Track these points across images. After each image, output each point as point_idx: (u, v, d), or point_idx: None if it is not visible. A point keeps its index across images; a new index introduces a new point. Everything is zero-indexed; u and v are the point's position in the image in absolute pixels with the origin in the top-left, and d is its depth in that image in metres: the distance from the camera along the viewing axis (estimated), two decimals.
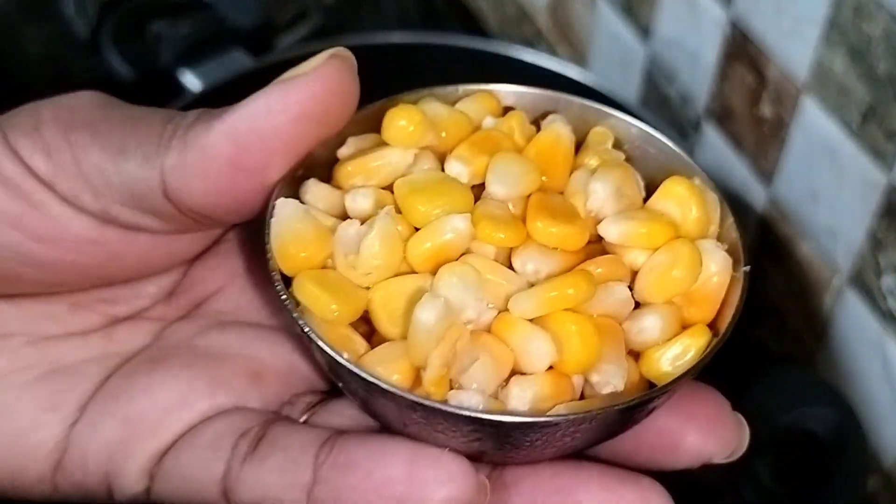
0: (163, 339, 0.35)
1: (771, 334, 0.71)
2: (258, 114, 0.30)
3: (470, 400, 0.30)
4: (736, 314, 0.32)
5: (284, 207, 0.32)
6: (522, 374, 0.31)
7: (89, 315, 0.35)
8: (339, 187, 0.34)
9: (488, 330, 0.31)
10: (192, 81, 0.76)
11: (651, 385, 0.32)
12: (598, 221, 0.33)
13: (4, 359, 0.33)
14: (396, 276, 0.31)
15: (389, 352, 0.31)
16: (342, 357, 0.30)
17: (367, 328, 0.32)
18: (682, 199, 0.33)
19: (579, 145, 0.36)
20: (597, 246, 0.33)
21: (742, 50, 0.67)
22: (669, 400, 0.32)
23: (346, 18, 0.96)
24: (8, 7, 1.04)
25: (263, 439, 0.31)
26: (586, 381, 0.31)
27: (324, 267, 0.32)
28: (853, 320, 0.62)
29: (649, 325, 0.31)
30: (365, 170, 0.33)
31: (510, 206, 0.33)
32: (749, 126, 0.68)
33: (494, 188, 0.32)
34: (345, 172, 0.33)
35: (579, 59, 0.88)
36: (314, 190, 0.33)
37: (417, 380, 0.30)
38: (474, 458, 0.30)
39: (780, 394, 0.57)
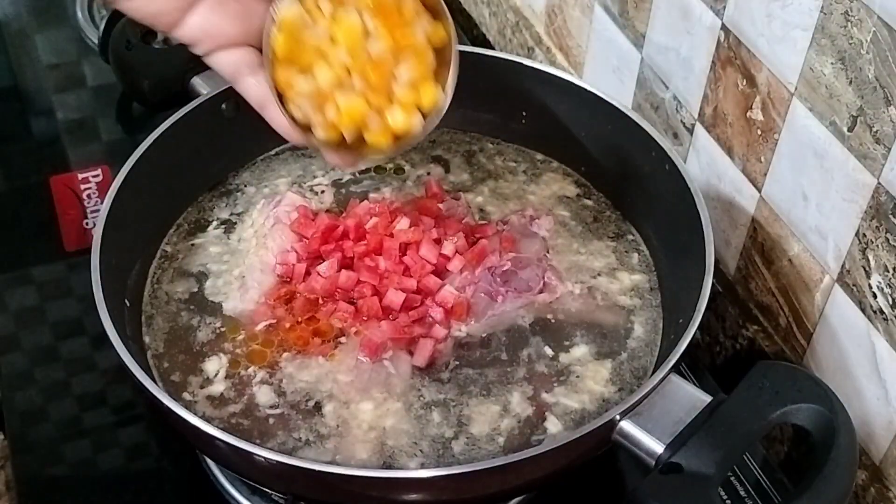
0: None
1: (762, 332, 0.72)
2: None
3: None
4: None
5: None
6: None
7: None
8: None
9: None
10: (200, 86, 0.77)
11: None
12: None
13: None
14: None
15: None
16: None
17: None
18: None
19: None
20: None
21: (734, 56, 0.68)
22: None
23: None
24: (21, 14, 1.05)
25: None
26: None
27: None
28: (843, 318, 0.63)
29: None
30: None
31: None
32: (741, 130, 0.69)
33: None
34: None
35: (576, 64, 0.89)
36: None
37: None
38: None
39: (771, 390, 0.57)
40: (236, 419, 0.61)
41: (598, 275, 0.70)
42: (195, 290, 0.68)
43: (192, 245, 0.72)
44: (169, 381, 0.63)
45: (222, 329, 0.66)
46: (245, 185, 0.76)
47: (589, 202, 0.75)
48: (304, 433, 0.60)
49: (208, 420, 0.60)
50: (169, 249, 0.71)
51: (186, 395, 0.62)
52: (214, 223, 0.73)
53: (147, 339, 0.65)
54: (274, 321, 0.66)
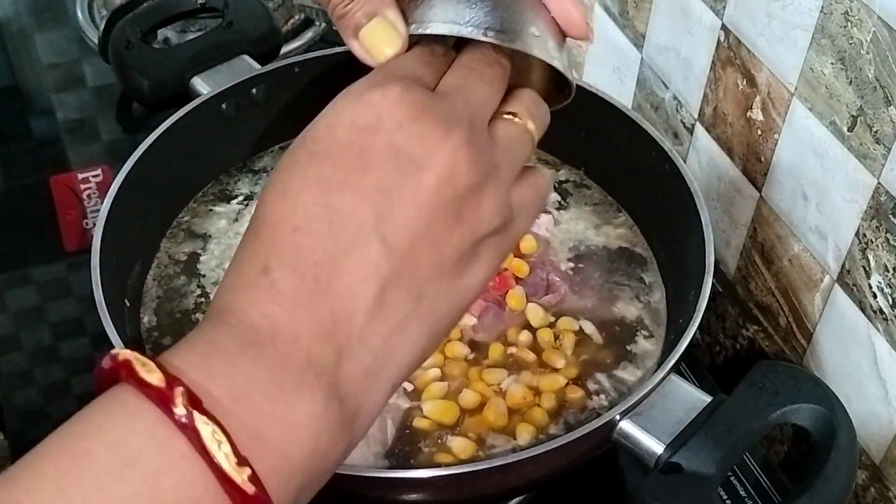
0: None
1: (762, 332, 0.72)
2: None
3: None
4: None
5: None
6: None
7: None
8: None
9: None
10: (200, 86, 0.77)
11: None
12: None
13: None
14: None
15: None
16: None
17: None
18: None
19: None
20: None
21: (734, 56, 0.68)
22: None
23: None
24: (21, 14, 1.05)
25: None
26: None
27: None
28: (843, 318, 0.64)
29: None
30: None
31: None
32: (741, 130, 0.69)
33: None
34: None
35: (576, 64, 0.89)
36: None
37: None
38: None
39: (771, 390, 0.58)
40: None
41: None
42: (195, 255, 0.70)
43: (205, 214, 0.73)
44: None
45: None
46: (269, 168, 0.76)
47: (587, 199, 0.75)
48: None
49: None
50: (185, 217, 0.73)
51: None
52: (238, 198, 0.74)
53: (145, 319, 0.66)
54: None
